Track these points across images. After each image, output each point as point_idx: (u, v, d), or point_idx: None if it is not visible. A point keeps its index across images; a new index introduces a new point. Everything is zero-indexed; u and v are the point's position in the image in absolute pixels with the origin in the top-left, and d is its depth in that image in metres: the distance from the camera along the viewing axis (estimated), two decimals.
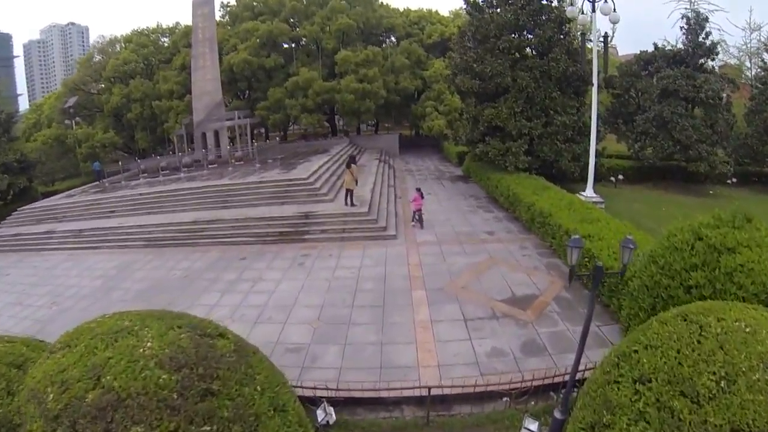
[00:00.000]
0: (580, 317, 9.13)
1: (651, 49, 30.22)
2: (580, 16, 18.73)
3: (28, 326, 13.70)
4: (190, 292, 14.29)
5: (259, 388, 5.31)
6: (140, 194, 25.73)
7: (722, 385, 4.50)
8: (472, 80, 22.23)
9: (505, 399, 7.90)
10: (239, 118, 33.21)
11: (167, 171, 31.91)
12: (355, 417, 8.04)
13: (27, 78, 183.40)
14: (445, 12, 46.59)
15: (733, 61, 40.84)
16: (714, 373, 4.58)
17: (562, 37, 22.01)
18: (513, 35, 21.85)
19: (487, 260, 13.99)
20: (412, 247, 15.62)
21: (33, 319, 14.78)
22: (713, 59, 28.33)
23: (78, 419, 4.23)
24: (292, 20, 40.04)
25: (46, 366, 4.87)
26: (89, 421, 4.21)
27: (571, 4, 19.43)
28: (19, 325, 14.11)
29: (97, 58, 48.12)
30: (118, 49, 47.40)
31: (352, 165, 18.86)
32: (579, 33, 21.65)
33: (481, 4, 23.04)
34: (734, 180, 27.73)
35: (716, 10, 28.32)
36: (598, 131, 20.36)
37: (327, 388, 7.95)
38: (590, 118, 20.03)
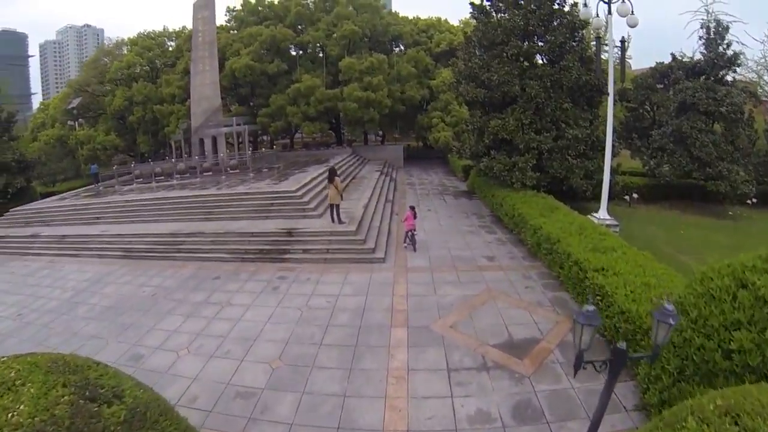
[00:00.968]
0: (589, 373, 6.79)
1: (667, 60, 28.31)
2: (595, 19, 16.95)
3: None
4: (153, 313, 13.07)
5: None
6: (126, 201, 24.49)
7: None
8: (477, 89, 20.54)
9: None
10: (238, 124, 32.09)
11: (162, 177, 30.81)
12: None
13: (42, 78, 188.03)
14: (455, 21, 45.22)
15: (750, 75, 38.58)
16: None
17: (574, 43, 20.22)
18: (522, 41, 20.09)
19: (484, 292, 12.15)
20: (401, 274, 13.84)
21: None
22: (734, 71, 26.34)
23: None
24: (299, 27, 38.92)
25: None
26: None
27: (585, 5, 17.45)
28: None
29: (104, 60, 48.12)
30: (125, 51, 47.19)
31: (335, 178, 17.19)
32: (594, 38, 19.76)
33: (487, 7, 21.37)
34: (755, 200, 25.56)
35: (735, 21, 26.20)
36: (613, 146, 18.52)
37: None
38: (604, 131, 18.18)
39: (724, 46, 25.17)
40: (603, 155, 18.12)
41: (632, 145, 29.28)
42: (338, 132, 43.79)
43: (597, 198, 18.57)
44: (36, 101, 77.94)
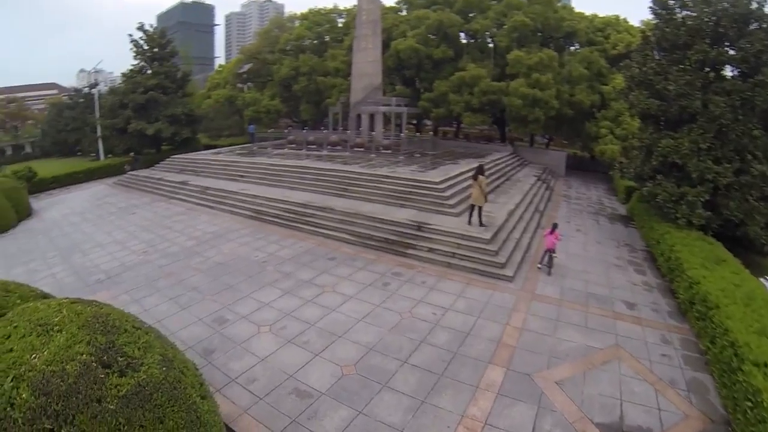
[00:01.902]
0: None
1: None
2: None
3: (113, 267, 15.62)
4: (256, 280, 13.57)
5: None
6: (270, 164, 26.23)
7: None
8: (649, 99, 17.34)
9: None
10: (398, 105, 32.48)
11: (314, 146, 32.64)
12: None
13: (226, 44, 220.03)
14: (635, 21, 40.40)
15: None
16: None
17: None
18: (709, 46, 16.42)
19: (610, 349, 9.95)
20: (524, 300, 12.23)
21: (119, 261, 16.20)
22: None
23: None
24: (470, 15, 38.14)
25: None
26: None
27: None
28: (107, 264, 15.99)
29: (275, 31, 53.02)
30: (297, 24, 51.58)
31: (480, 176, 15.77)
32: None
33: (671, 2, 17.91)
34: None
35: None
36: None
37: None
38: None
39: None
40: None
41: None
42: (502, 128, 42.04)
43: None
44: (217, 64, 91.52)
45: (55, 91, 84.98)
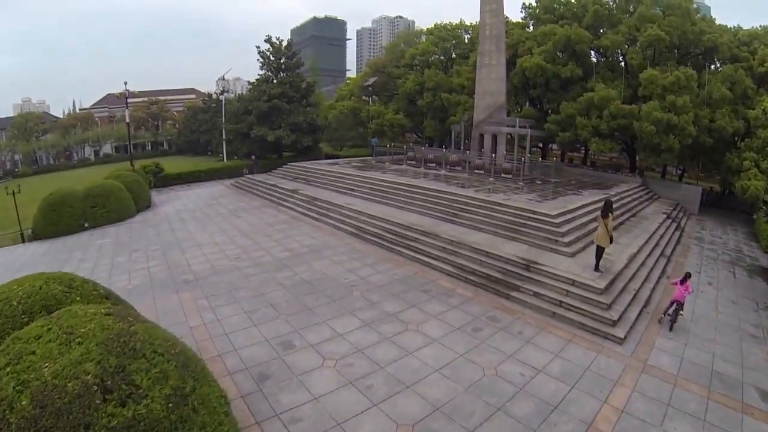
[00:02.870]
0: None
1: None
2: None
3: (204, 268, 16.67)
4: (338, 305, 13.18)
5: None
6: (382, 180, 26.24)
7: None
8: None
9: None
10: (522, 126, 31.22)
11: (433, 164, 32.34)
12: None
13: (357, 58, 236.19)
14: None
15: None
16: None
17: None
18: None
19: None
20: (633, 371, 10.22)
21: (211, 264, 17.26)
22: None
23: None
24: (600, 31, 35.54)
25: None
26: None
27: None
28: (199, 265, 17.11)
29: (401, 46, 54.96)
30: (423, 39, 52.44)
31: (609, 214, 14.05)
32: None
33: None
34: None
35: None
36: None
37: None
38: None
39: None
40: None
41: None
42: (632, 156, 38.52)
43: None
44: (347, 77, 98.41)
45: (193, 96, 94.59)
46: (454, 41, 49.05)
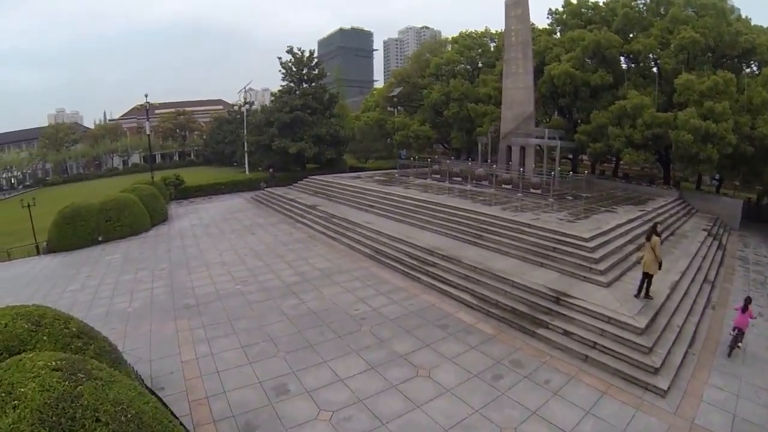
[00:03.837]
0: None
1: None
2: None
3: (207, 292, 16.06)
4: (344, 343, 12.03)
5: None
6: (403, 196, 25.09)
7: None
8: None
9: None
10: (551, 137, 29.88)
11: (459, 178, 31.08)
12: None
13: (384, 69, 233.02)
14: None
15: None
16: None
17: None
18: None
19: None
20: None
21: (215, 287, 16.62)
22: None
23: None
24: (630, 35, 33.74)
25: None
26: None
27: None
28: (203, 288, 16.53)
29: (426, 55, 53.63)
30: (449, 48, 51.11)
31: (655, 237, 12.56)
32: None
33: None
34: None
35: None
36: None
37: None
38: None
39: None
40: None
41: None
42: (666, 167, 36.40)
43: None
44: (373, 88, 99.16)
45: (220, 107, 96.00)
46: (479, 49, 47.81)
